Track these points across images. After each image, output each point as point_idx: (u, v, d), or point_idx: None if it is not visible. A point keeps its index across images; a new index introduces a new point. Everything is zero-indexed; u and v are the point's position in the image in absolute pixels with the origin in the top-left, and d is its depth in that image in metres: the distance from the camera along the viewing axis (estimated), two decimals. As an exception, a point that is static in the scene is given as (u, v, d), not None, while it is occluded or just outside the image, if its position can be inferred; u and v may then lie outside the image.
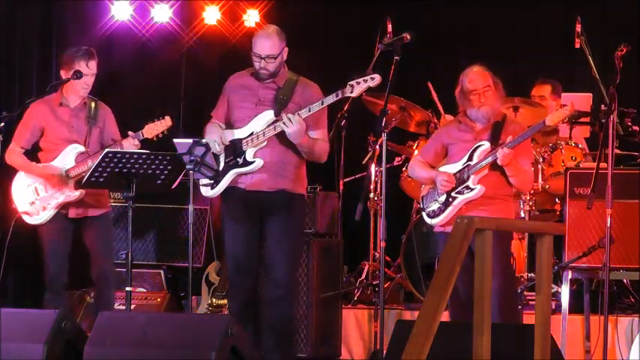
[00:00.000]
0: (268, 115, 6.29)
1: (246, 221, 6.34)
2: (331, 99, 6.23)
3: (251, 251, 6.35)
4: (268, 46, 6.29)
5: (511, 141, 6.42)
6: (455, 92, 6.66)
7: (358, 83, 6.18)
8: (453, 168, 6.59)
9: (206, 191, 6.42)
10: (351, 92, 6.20)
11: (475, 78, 6.57)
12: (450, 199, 6.53)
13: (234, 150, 6.34)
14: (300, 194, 6.41)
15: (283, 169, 6.31)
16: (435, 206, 6.61)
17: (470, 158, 6.53)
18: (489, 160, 6.45)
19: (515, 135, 6.46)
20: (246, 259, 6.34)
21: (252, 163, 6.29)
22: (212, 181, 6.36)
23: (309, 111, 6.21)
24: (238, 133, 6.37)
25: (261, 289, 6.47)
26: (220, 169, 6.37)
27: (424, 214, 6.72)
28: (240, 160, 6.31)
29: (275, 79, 6.36)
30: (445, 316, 6.91)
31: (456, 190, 6.53)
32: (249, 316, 6.35)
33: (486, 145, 6.51)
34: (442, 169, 6.63)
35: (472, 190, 6.48)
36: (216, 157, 6.40)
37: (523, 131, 6.52)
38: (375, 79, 6.18)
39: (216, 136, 6.38)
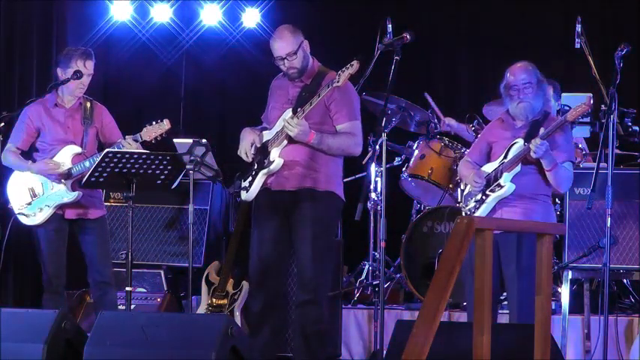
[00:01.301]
0: (288, 113, 6.29)
1: (273, 221, 6.32)
2: (325, 91, 6.20)
3: (276, 251, 6.32)
4: (283, 45, 6.30)
5: (542, 133, 6.36)
6: (499, 87, 6.59)
7: (343, 72, 6.18)
8: (491, 167, 6.55)
9: (243, 195, 6.42)
10: (338, 82, 6.18)
11: (516, 73, 6.49)
12: (484, 197, 6.48)
13: (263, 152, 6.35)
14: (327, 191, 6.32)
15: (307, 167, 6.29)
16: (471, 204, 6.57)
17: (505, 156, 6.49)
18: (521, 153, 6.37)
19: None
20: (271, 260, 6.31)
21: (272, 162, 6.28)
22: (248, 185, 6.36)
23: (311, 104, 6.21)
24: (268, 135, 6.38)
25: (284, 288, 6.47)
26: (254, 172, 6.36)
27: (463, 213, 6.66)
28: (266, 161, 6.32)
29: (303, 76, 6.35)
30: (463, 317, 6.92)
31: (490, 189, 6.49)
32: (271, 317, 6.32)
33: (520, 142, 6.43)
34: (484, 167, 6.60)
35: (502, 187, 6.42)
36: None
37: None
38: (353, 66, 6.17)
39: (246, 142, 6.39)
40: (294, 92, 6.36)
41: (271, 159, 6.29)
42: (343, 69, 6.18)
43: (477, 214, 6.48)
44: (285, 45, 6.29)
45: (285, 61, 6.30)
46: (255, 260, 6.37)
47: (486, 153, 6.65)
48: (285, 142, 6.27)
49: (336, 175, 6.40)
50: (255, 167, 6.37)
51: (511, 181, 6.40)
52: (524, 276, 6.28)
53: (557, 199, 8.08)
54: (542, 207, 6.47)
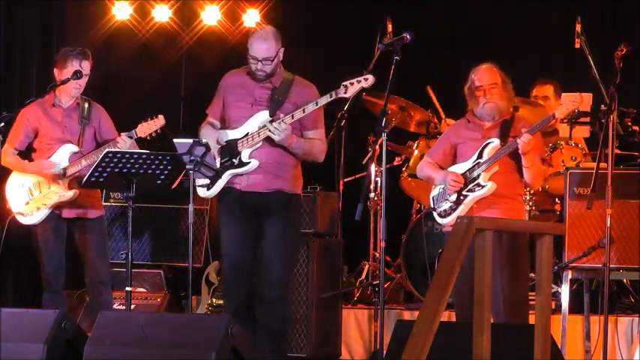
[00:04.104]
0: (264, 115, 6.27)
1: (243, 222, 6.32)
2: (325, 100, 6.22)
3: (247, 252, 6.33)
4: (265, 48, 6.27)
5: (531, 128, 6.35)
6: (464, 89, 6.64)
7: (352, 84, 6.17)
8: (462, 167, 6.55)
9: (202, 192, 6.41)
10: (345, 93, 6.19)
11: (482, 74, 6.55)
12: (462, 198, 6.48)
13: (230, 151, 6.32)
14: (297, 194, 6.40)
15: (280, 169, 6.30)
16: (446, 205, 6.55)
17: (480, 156, 6.48)
18: (507, 150, 6.38)
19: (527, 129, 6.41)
20: (242, 260, 6.32)
21: (247, 164, 6.27)
22: (208, 182, 6.35)
23: (304, 112, 6.21)
24: (234, 134, 6.35)
25: (255, 288, 6.44)
26: (219, 170, 6.35)
27: (435, 214, 6.66)
28: (236, 161, 6.30)
29: (272, 79, 6.35)
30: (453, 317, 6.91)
31: (467, 189, 6.48)
32: (246, 315, 6.32)
33: (496, 142, 6.46)
34: (451, 168, 6.59)
35: (483, 187, 6.42)
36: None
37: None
38: (368, 80, 6.18)
39: (211, 140, 6.37)
40: (262, 93, 6.33)
41: (244, 160, 6.27)
42: (353, 81, 6.16)
43: (455, 214, 6.48)
44: (267, 49, 6.27)
45: (260, 63, 6.29)
46: (228, 261, 6.37)
47: (450, 154, 6.67)
48: (260, 143, 6.26)
49: (300, 178, 6.45)
50: (219, 166, 6.35)
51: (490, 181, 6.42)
52: (504, 275, 6.29)
53: (556, 199, 8.09)
54: (517, 205, 6.53)
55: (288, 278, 6.36)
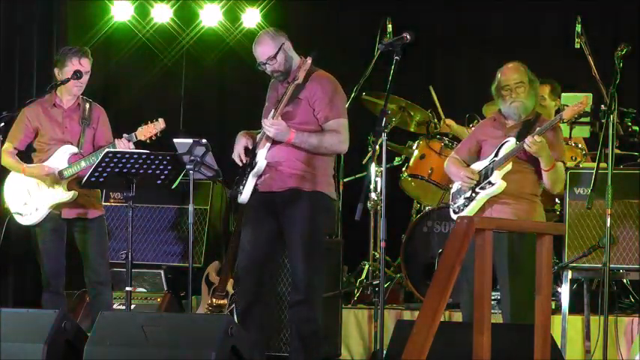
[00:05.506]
0: (272, 114, 6.28)
1: (261, 222, 6.31)
2: (291, 89, 6.19)
3: (262, 251, 6.30)
4: (263, 50, 6.28)
5: (538, 129, 6.32)
6: (491, 88, 6.61)
7: (301, 70, 6.20)
8: (481, 165, 6.56)
9: (239, 198, 6.40)
10: (298, 80, 6.20)
11: (508, 73, 6.52)
12: (474, 195, 6.47)
13: (253, 154, 6.33)
14: (313, 191, 6.26)
15: (292, 167, 6.26)
16: (460, 202, 6.56)
17: (496, 154, 6.48)
18: (517, 150, 6.35)
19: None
20: (256, 259, 6.29)
21: (257, 163, 6.27)
22: (242, 188, 6.35)
23: (280, 103, 6.20)
24: (259, 137, 6.37)
25: (270, 290, 6.44)
26: (246, 175, 6.35)
27: (451, 210, 6.66)
28: (254, 163, 6.31)
29: (291, 77, 6.34)
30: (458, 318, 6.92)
31: (480, 186, 6.48)
32: (256, 316, 6.31)
33: (512, 141, 6.42)
34: (473, 166, 6.60)
35: (493, 185, 6.42)
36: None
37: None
38: (306, 63, 6.20)
39: (239, 146, 6.37)
40: (282, 93, 6.36)
41: (256, 160, 6.28)
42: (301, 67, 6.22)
43: (466, 211, 6.48)
44: (265, 50, 6.27)
45: (267, 65, 6.29)
46: (242, 259, 6.37)
47: (475, 152, 6.66)
48: (269, 143, 6.27)
49: (323, 174, 6.35)
50: (248, 170, 6.36)
51: (502, 179, 6.41)
52: (517, 276, 6.29)
53: (556, 199, 8.09)
54: (531, 206, 6.48)
55: (310, 280, 6.23)
